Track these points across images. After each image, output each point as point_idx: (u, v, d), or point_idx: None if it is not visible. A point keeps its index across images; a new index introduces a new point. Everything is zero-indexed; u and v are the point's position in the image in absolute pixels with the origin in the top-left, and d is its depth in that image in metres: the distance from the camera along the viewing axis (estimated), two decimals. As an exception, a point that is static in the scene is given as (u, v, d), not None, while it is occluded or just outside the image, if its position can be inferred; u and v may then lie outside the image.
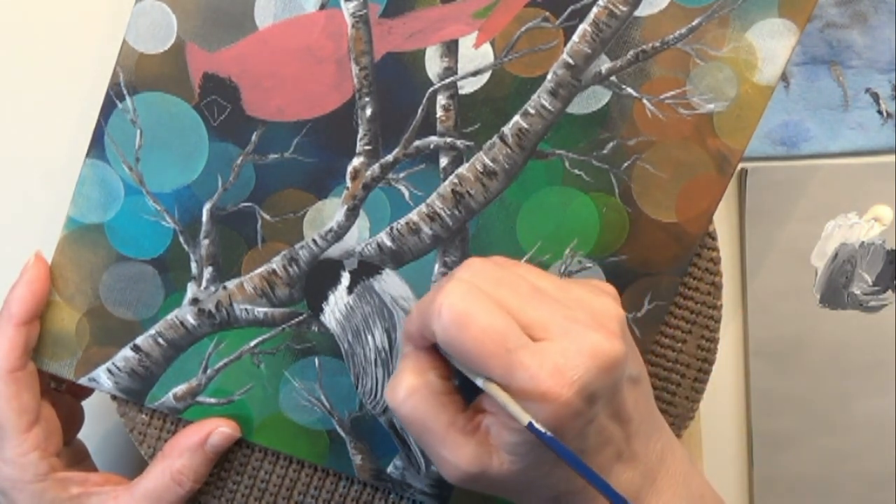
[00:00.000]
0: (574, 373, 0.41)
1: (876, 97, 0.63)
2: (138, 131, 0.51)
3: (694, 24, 0.50)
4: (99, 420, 0.60)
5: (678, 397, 0.55)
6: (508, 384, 0.41)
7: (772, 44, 0.50)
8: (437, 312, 0.42)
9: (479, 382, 0.42)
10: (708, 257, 0.54)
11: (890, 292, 0.64)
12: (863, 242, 0.63)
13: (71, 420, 0.57)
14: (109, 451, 0.62)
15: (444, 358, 0.45)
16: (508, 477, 0.44)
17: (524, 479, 0.44)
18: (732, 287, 0.64)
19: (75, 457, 0.56)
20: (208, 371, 0.54)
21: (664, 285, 0.53)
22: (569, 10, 0.50)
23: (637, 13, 0.50)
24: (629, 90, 0.51)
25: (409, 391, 0.44)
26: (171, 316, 0.53)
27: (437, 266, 0.53)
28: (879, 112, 0.63)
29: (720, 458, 0.63)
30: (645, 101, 0.51)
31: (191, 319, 0.53)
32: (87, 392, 0.58)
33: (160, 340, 0.53)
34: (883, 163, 0.64)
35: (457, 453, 0.43)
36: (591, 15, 0.50)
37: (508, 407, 0.41)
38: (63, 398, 0.56)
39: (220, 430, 0.54)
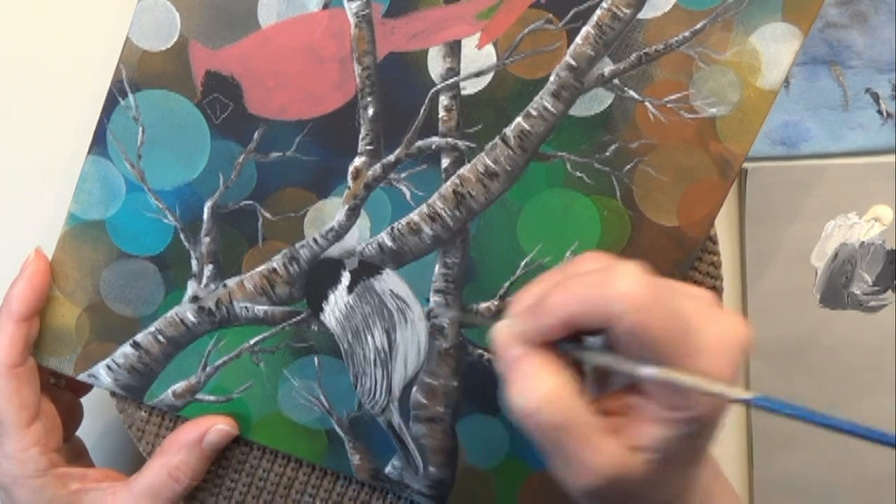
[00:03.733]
0: (733, 356, 0.40)
1: (876, 97, 0.62)
2: (140, 128, 0.51)
3: (697, 27, 0.50)
4: (97, 416, 0.60)
5: None
6: (693, 366, 0.39)
7: (775, 48, 0.50)
8: (624, 296, 0.38)
9: (650, 371, 0.40)
10: (709, 261, 0.54)
11: (890, 292, 0.63)
12: (863, 242, 0.63)
13: (70, 416, 0.57)
14: (108, 447, 0.62)
15: (565, 356, 0.42)
16: (643, 478, 0.41)
17: (654, 481, 0.42)
18: (733, 287, 0.64)
19: (73, 453, 0.56)
20: (207, 369, 0.54)
21: (665, 289, 0.53)
22: (572, 12, 0.50)
23: (640, 16, 0.50)
24: (631, 93, 0.51)
25: (549, 394, 0.40)
26: (171, 313, 0.53)
27: (437, 267, 0.53)
28: (879, 112, 0.63)
29: (720, 458, 0.62)
30: (647, 104, 0.51)
31: (191, 317, 0.53)
32: (86, 388, 0.58)
33: (160, 337, 0.53)
34: (883, 163, 0.63)
35: (600, 455, 0.40)
36: (595, 17, 0.50)
37: (705, 387, 0.39)
38: (63, 394, 0.56)
39: (217, 427, 0.54)
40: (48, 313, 0.53)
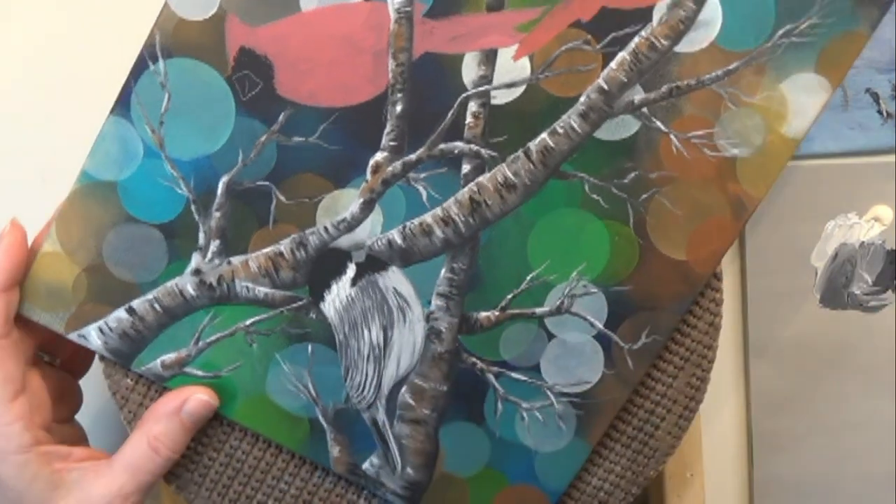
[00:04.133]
0: None
1: (876, 97, 0.63)
2: (166, 95, 0.51)
3: (731, 67, 0.50)
4: (92, 400, 0.59)
5: (660, 431, 0.56)
6: None
7: (804, 98, 0.51)
8: None
9: None
10: (711, 297, 0.54)
11: (890, 292, 0.64)
12: (863, 242, 0.63)
13: (64, 397, 0.56)
14: (101, 432, 0.61)
15: None
16: None
17: None
18: (733, 287, 0.65)
19: (72, 437, 0.55)
20: (200, 343, 0.53)
21: (664, 321, 0.53)
22: (611, 36, 0.50)
23: (677, 49, 0.50)
24: (658, 124, 0.51)
25: None
26: (170, 283, 0.53)
27: (443, 270, 0.53)
28: (879, 112, 0.63)
29: (720, 458, 0.63)
30: (672, 136, 0.51)
31: (190, 289, 0.53)
32: (83, 369, 0.57)
33: (156, 306, 0.53)
34: (883, 163, 0.64)
35: None
36: (632, 44, 0.50)
37: None
38: (56, 373, 0.56)
39: (196, 395, 0.53)
40: (47, 266, 0.52)
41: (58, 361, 0.57)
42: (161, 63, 0.51)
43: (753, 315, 0.65)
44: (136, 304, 0.53)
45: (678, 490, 0.64)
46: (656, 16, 0.50)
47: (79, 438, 0.57)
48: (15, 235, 0.52)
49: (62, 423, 0.56)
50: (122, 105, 0.51)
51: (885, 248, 0.63)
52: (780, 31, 0.50)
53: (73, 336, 0.53)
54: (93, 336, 0.53)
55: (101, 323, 0.53)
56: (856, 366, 0.66)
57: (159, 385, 0.54)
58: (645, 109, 0.51)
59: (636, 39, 0.50)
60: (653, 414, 0.55)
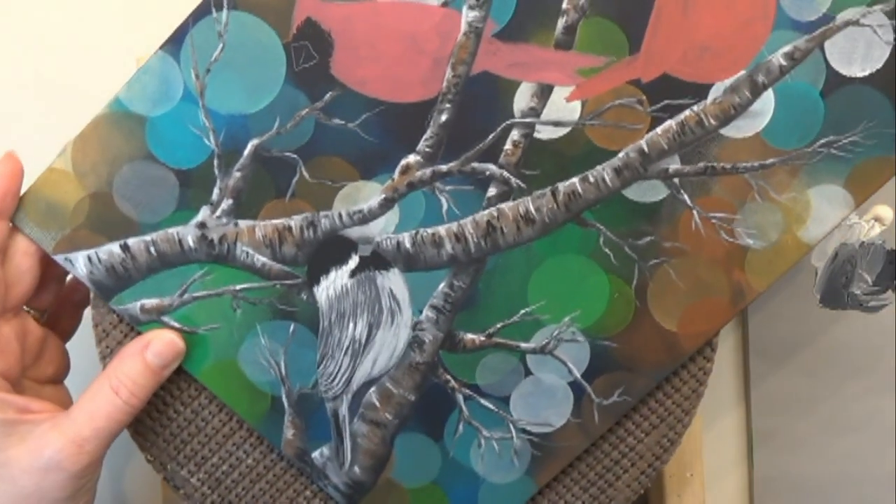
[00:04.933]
0: None
1: None
2: (221, 45, 0.50)
3: (768, 162, 0.52)
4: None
5: (620, 482, 0.56)
6: None
7: (827, 208, 0.52)
8: None
9: None
10: (700, 366, 0.55)
11: (890, 292, 0.64)
12: (863, 242, 0.63)
13: (46, 354, 0.54)
14: None
15: None
16: None
17: None
18: None
19: (55, 400, 0.53)
20: (185, 296, 0.53)
21: (639, 385, 0.54)
22: (664, 102, 0.51)
23: (722, 131, 0.51)
24: (685, 196, 0.52)
25: None
26: (172, 230, 0.52)
27: (443, 284, 0.53)
28: None
29: (720, 458, 0.63)
30: (695, 212, 0.52)
31: (190, 241, 0.52)
32: (68, 329, 0.56)
33: (152, 249, 0.52)
34: None
35: None
36: (682, 116, 0.51)
37: None
38: (38, 329, 0.54)
39: (161, 334, 0.52)
40: (52, 184, 0.51)
41: (44, 317, 0.55)
42: (225, 13, 0.50)
43: (753, 315, 0.65)
44: (132, 241, 0.52)
45: (678, 490, 0.65)
46: (712, 95, 0.51)
47: (64, 404, 0.54)
48: (9, 165, 0.50)
49: (44, 384, 0.54)
50: (175, 44, 0.50)
51: (885, 248, 0.63)
52: (823, 140, 0.51)
53: (59, 258, 0.52)
54: (79, 263, 0.52)
55: (91, 252, 0.52)
56: (856, 366, 0.66)
57: (137, 327, 0.53)
58: (676, 180, 0.52)
59: (687, 112, 0.51)
60: (617, 464, 0.56)
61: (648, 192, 0.52)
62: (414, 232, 0.52)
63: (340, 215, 0.52)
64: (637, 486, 0.57)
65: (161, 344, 0.52)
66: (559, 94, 0.51)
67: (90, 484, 0.52)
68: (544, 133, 0.51)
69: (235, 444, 0.55)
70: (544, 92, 0.51)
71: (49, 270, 0.54)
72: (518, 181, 0.52)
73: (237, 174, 0.51)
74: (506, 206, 0.52)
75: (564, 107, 0.51)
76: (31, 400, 0.51)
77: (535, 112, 0.51)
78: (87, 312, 0.55)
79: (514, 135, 0.51)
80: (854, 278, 0.63)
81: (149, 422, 0.55)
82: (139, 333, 0.53)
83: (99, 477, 0.53)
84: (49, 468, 0.49)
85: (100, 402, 0.50)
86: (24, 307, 0.54)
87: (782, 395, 0.66)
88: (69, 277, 0.56)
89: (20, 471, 0.49)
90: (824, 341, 0.66)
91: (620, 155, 0.52)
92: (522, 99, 0.51)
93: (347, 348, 0.54)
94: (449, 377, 0.54)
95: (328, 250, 0.53)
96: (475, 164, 0.52)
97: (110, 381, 0.51)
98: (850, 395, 0.67)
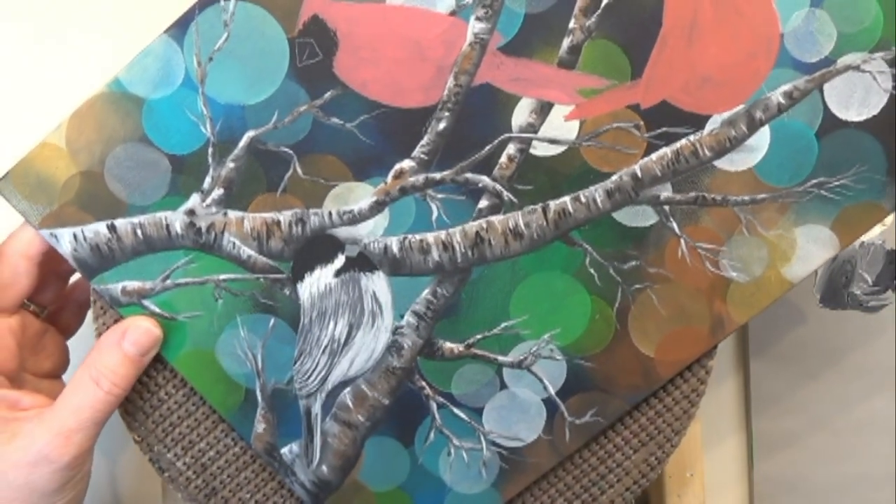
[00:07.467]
0: None
1: None
2: (225, 34, 0.50)
3: (758, 197, 0.52)
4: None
5: (605, 497, 0.56)
6: None
7: (812, 248, 0.52)
8: None
9: None
10: (693, 387, 0.55)
11: (890, 292, 0.64)
12: (863, 242, 0.64)
13: (45, 349, 0.54)
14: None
15: None
16: None
17: None
18: None
19: (52, 394, 0.53)
20: (167, 282, 0.52)
21: (612, 407, 0.55)
22: (662, 129, 0.51)
23: (716, 162, 0.52)
24: (674, 224, 0.52)
25: None
26: (160, 214, 0.52)
27: (426, 291, 0.53)
28: None
29: (720, 458, 0.63)
30: (683, 240, 0.52)
31: (178, 227, 0.52)
32: (72, 325, 0.56)
33: (138, 232, 0.52)
34: None
35: None
36: (678, 144, 0.51)
37: None
38: (38, 323, 0.54)
39: (136, 322, 0.52)
40: (44, 158, 0.51)
41: (45, 312, 0.55)
42: (232, 2, 0.50)
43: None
44: (119, 222, 0.52)
45: (678, 490, 0.65)
46: (709, 126, 0.51)
47: None
48: None
49: (41, 378, 0.54)
50: (179, 28, 0.50)
51: (885, 248, 0.63)
52: (814, 181, 0.52)
53: (44, 232, 0.51)
54: (64, 240, 0.52)
55: (77, 229, 0.52)
56: (856, 366, 0.66)
57: (116, 309, 0.53)
58: (667, 207, 0.52)
59: (683, 141, 0.51)
60: (603, 479, 0.56)
61: (638, 216, 0.52)
62: (402, 237, 0.52)
63: (330, 214, 0.52)
64: (620, 502, 0.57)
65: (137, 332, 0.52)
66: (558, 112, 0.51)
67: (80, 475, 0.52)
68: (540, 149, 0.52)
69: (224, 431, 0.55)
70: (544, 109, 0.51)
71: (51, 269, 0.54)
72: (510, 195, 0.52)
73: (230, 164, 0.51)
74: (496, 218, 0.52)
75: (562, 125, 0.51)
76: (23, 394, 0.51)
77: (533, 128, 0.51)
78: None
79: (511, 149, 0.52)
80: (854, 278, 0.63)
81: (139, 402, 0.55)
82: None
83: (91, 468, 0.53)
84: (37, 462, 0.49)
85: (82, 395, 0.50)
86: (25, 301, 0.54)
87: (782, 395, 0.65)
88: (74, 277, 0.56)
89: (9, 466, 0.49)
90: (824, 341, 0.66)
91: (614, 178, 0.52)
92: (521, 114, 0.51)
93: (326, 347, 0.54)
94: (424, 384, 0.54)
95: (315, 248, 0.53)
96: (469, 175, 0.52)
97: (90, 372, 0.51)
98: (850, 395, 0.67)
